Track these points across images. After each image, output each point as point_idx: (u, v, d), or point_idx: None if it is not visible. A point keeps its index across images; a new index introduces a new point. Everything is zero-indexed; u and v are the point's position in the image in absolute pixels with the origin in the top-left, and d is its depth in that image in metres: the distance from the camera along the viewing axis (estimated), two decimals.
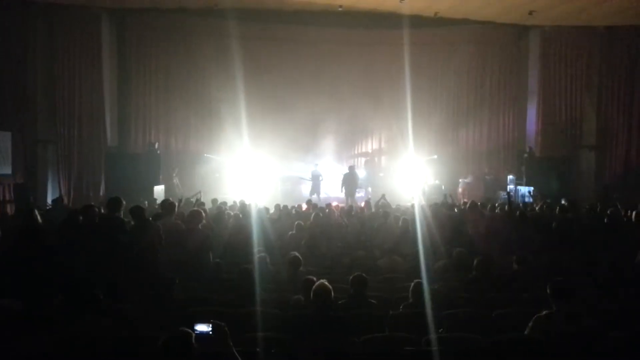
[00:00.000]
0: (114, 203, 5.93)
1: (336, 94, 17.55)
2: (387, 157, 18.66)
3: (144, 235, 5.68)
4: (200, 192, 12.19)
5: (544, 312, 3.87)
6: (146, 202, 10.92)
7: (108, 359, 3.53)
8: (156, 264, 5.60)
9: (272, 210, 10.44)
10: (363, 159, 19.11)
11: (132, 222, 6.15)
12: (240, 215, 8.26)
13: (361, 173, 17.61)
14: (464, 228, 8.28)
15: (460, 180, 17.02)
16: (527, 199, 14.34)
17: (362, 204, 12.15)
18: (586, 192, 15.83)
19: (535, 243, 7.37)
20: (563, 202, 11.14)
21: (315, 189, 15.87)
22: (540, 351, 3.73)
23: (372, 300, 4.60)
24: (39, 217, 6.85)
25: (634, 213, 8.28)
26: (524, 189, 15.11)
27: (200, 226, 6.35)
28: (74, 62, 14.72)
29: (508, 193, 13.14)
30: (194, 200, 10.98)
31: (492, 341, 3.80)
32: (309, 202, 11.69)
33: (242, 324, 4.03)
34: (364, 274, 4.69)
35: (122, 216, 6.14)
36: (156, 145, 15.42)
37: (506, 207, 9.88)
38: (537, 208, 10.77)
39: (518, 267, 5.76)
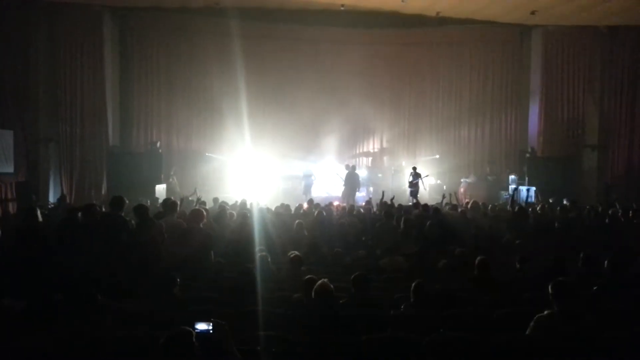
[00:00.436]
0: (116, 202, 5.94)
1: (338, 93, 17.56)
2: (389, 157, 18.63)
3: (147, 234, 5.69)
4: (195, 190, 12.20)
5: (546, 312, 3.86)
6: (148, 201, 10.92)
7: (108, 358, 3.53)
8: (158, 263, 5.60)
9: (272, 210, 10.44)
10: (364, 159, 19.11)
11: (134, 221, 6.16)
12: (248, 214, 8.25)
13: (362, 173, 17.61)
14: (466, 228, 8.27)
15: (462, 180, 17.01)
16: (529, 199, 14.34)
17: (363, 204, 12.13)
18: (588, 192, 15.81)
19: (537, 243, 7.37)
20: (565, 202, 11.15)
21: (307, 188, 15.90)
22: (542, 351, 3.72)
23: (374, 300, 4.59)
24: (40, 216, 6.86)
25: (630, 212, 8.28)
26: (525, 189, 15.10)
27: (201, 225, 6.36)
28: (76, 60, 14.72)
29: (514, 190, 13.07)
30: (194, 199, 10.99)
31: (493, 341, 3.79)
32: (310, 201, 11.68)
33: (243, 322, 4.03)
34: (365, 274, 4.68)
35: (124, 215, 6.15)
36: (158, 144, 15.45)
37: (509, 206, 9.88)
38: (537, 208, 10.76)
39: (520, 266, 5.76)
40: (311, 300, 4.22)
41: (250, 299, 4.61)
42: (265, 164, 16.46)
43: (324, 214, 9.00)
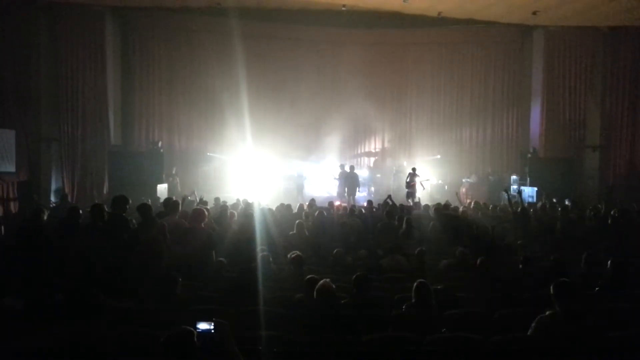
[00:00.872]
0: (119, 201, 5.94)
1: (339, 93, 17.58)
2: (390, 157, 18.64)
3: (149, 233, 5.69)
4: (194, 191, 12.19)
5: (547, 312, 3.85)
6: (149, 200, 10.92)
7: (110, 357, 3.53)
8: (160, 262, 5.60)
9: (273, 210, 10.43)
10: (366, 159, 19.11)
11: (135, 220, 6.16)
12: (250, 213, 8.25)
13: (364, 173, 17.62)
14: (467, 228, 8.27)
15: (463, 180, 17.00)
16: (530, 199, 14.33)
17: (365, 204, 12.12)
18: (590, 193, 15.79)
19: (539, 243, 7.36)
20: (567, 202, 11.14)
21: (299, 188, 15.92)
22: (543, 351, 3.72)
23: (375, 300, 4.59)
24: (45, 216, 6.86)
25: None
26: (526, 189, 15.10)
27: (203, 225, 6.36)
28: (78, 60, 14.74)
29: (517, 192, 13.06)
30: (193, 199, 10.98)
31: (495, 341, 3.79)
32: (312, 201, 11.67)
33: (245, 322, 4.03)
34: (366, 274, 4.68)
35: (126, 215, 6.15)
36: (159, 144, 15.45)
37: (509, 207, 9.87)
38: (538, 206, 10.75)
39: (522, 267, 5.75)
40: (313, 300, 4.21)
41: (252, 298, 4.61)
42: (266, 164, 16.46)
43: (325, 214, 8.99)
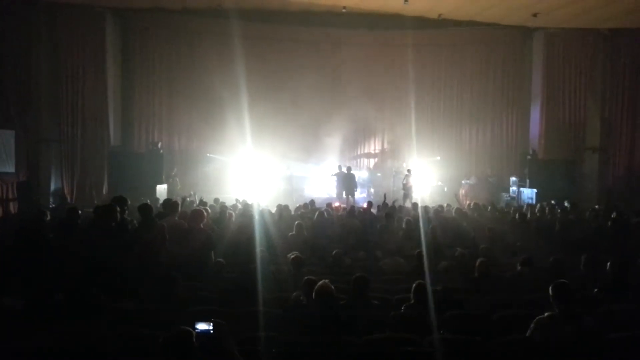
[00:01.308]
0: (118, 202, 5.94)
1: (339, 94, 17.59)
2: (390, 158, 18.63)
3: (148, 234, 5.69)
4: (193, 193, 12.20)
5: (546, 314, 3.86)
6: (148, 201, 10.93)
7: (109, 357, 3.53)
8: (158, 263, 5.60)
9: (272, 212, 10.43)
10: (366, 160, 19.13)
11: (135, 220, 6.16)
12: (249, 214, 8.26)
13: (363, 174, 17.63)
14: (467, 229, 8.27)
15: (463, 181, 17.01)
16: (530, 201, 14.34)
17: (365, 205, 12.12)
18: (589, 195, 15.79)
19: (538, 245, 7.37)
20: (566, 204, 11.15)
21: (291, 189, 15.92)
22: (542, 353, 3.72)
23: (374, 301, 4.59)
24: (48, 218, 6.88)
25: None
26: (525, 191, 15.13)
27: (202, 225, 6.36)
28: (78, 61, 14.74)
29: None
30: (193, 200, 10.99)
31: (493, 343, 3.79)
32: (311, 202, 11.67)
33: (244, 323, 4.03)
34: (365, 275, 4.68)
35: (127, 215, 6.15)
36: (159, 145, 15.45)
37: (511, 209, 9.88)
38: (536, 209, 10.76)
39: (521, 268, 5.75)
40: (311, 300, 4.22)
41: (251, 299, 4.61)
42: (265, 165, 16.46)
43: (325, 215, 8.99)
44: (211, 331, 3.00)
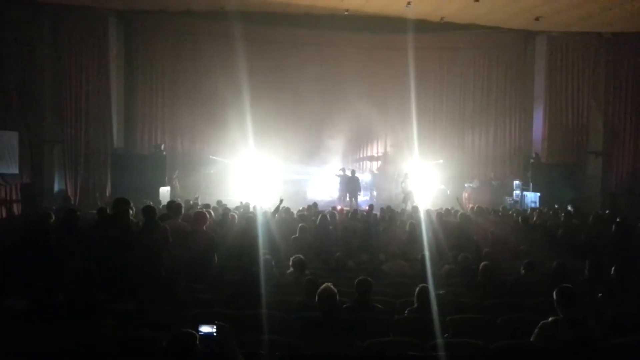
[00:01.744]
0: (120, 203, 5.94)
1: (341, 97, 17.58)
2: (393, 161, 18.62)
3: (151, 236, 5.69)
4: (197, 197, 12.19)
5: (550, 319, 3.84)
6: (150, 203, 10.94)
7: (111, 358, 3.53)
8: (160, 265, 5.60)
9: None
10: (368, 163, 19.12)
11: (140, 222, 6.16)
12: (252, 216, 8.25)
13: (366, 177, 17.62)
14: (470, 233, 8.25)
15: (465, 185, 16.98)
16: (533, 204, 14.32)
17: (366, 207, 12.11)
18: (593, 199, 15.76)
19: (541, 249, 7.35)
20: (569, 208, 11.12)
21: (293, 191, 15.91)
22: (546, 358, 3.70)
23: (377, 304, 4.58)
24: (52, 218, 6.89)
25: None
26: (528, 194, 15.09)
27: (204, 228, 6.35)
28: (81, 63, 14.80)
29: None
30: (197, 202, 10.99)
31: (496, 347, 3.78)
32: (314, 205, 11.66)
33: (247, 326, 4.03)
34: (369, 278, 4.67)
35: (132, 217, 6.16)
36: (162, 147, 15.47)
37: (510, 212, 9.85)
38: (534, 215, 10.73)
39: (525, 273, 5.74)
40: (313, 302, 4.21)
41: (254, 302, 4.60)
42: (268, 167, 16.46)
43: (328, 218, 8.98)
44: (214, 334, 2.99)
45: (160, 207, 10.22)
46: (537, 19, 14.87)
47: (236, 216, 8.81)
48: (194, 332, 2.94)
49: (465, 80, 18.40)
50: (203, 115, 17.17)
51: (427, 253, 6.22)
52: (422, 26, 16.15)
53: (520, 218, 9.28)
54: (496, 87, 18.25)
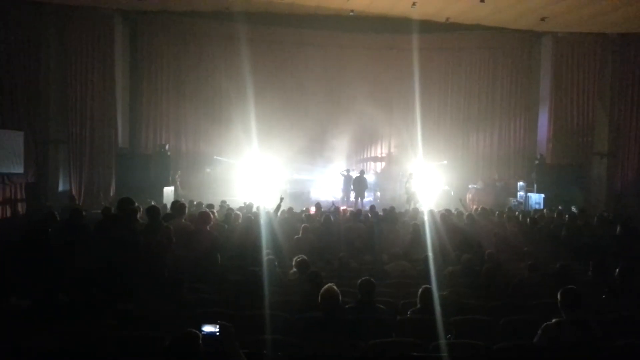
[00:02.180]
0: (125, 204, 5.96)
1: (346, 98, 17.59)
2: (397, 162, 18.59)
3: (155, 236, 5.70)
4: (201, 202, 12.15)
5: (554, 320, 3.82)
6: (153, 202, 10.98)
7: (113, 358, 3.55)
8: (165, 265, 5.61)
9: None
10: (372, 164, 19.11)
11: (142, 222, 6.18)
12: (252, 218, 8.26)
13: (370, 178, 17.60)
14: (474, 234, 8.23)
15: (470, 186, 16.93)
16: (537, 206, 14.27)
17: (368, 208, 12.09)
18: (598, 200, 15.69)
19: (546, 250, 7.32)
20: (573, 209, 11.08)
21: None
22: (549, 359, 3.69)
23: (380, 305, 4.58)
24: (57, 218, 6.92)
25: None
26: (533, 196, 15.04)
27: (208, 228, 6.37)
28: (86, 63, 14.85)
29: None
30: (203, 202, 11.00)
31: (500, 348, 3.77)
32: (317, 205, 11.66)
33: (250, 326, 4.03)
34: (372, 279, 4.67)
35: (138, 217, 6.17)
36: (166, 147, 15.51)
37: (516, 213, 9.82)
38: (537, 215, 10.70)
39: (529, 274, 5.72)
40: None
41: (257, 302, 4.61)
42: (272, 168, 16.47)
43: (332, 218, 8.98)
44: (217, 334, 3.00)
45: (163, 205, 10.23)
46: (542, 19, 14.83)
47: (240, 216, 8.82)
48: (197, 331, 2.95)
49: (470, 81, 18.36)
50: (207, 115, 17.22)
51: (430, 254, 6.20)
52: (427, 27, 16.14)
53: (528, 219, 9.26)
54: (501, 87, 18.21)
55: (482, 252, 7.08)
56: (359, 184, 15.18)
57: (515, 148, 18.11)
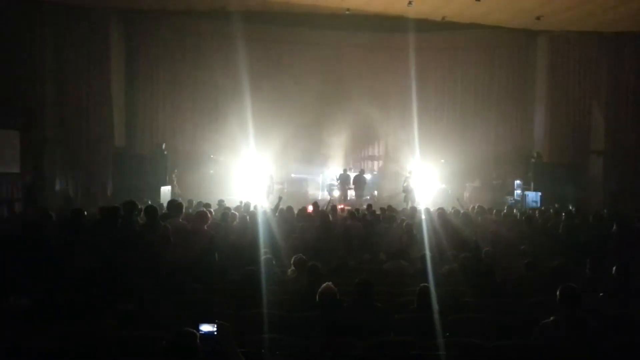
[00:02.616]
0: (129, 207, 5.96)
1: (342, 96, 17.60)
2: (394, 161, 18.62)
3: (153, 235, 5.70)
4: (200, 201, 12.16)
5: (551, 318, 3.83)
6: (149, 202, 10.96)
7: (113, 358, 3.54)
8: (162, 265, 5.60)
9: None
10: (369, 163, 19.15)
11: (141, 222, 6.17)
12: (248, 218, 8.25)
13: (367, 176, 17.62)
14: (471, 232, 8.25)
15: (467, 184, 16.96)
16: (534, 204, 14.30)
17: (365, 207, 12.10)
18: (594, 198, 15.73)
19: (543, 248, 7.34)
20: (570, 207, 11.10)
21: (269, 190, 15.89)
22: (546, 357, 3.70)
23: (378, 304, 4.58)
24: (53, 218, 6.90)
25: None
26: (530, 194, 15.07)
27: (205, 227, 6.36)
28: (82, 62, 14.81)
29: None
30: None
31: (497, 346, 3.78)
32: (315, 204, 11.65)
33: (247, 325, 4.03)
34: (369, 278, 4.67)
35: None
36: (163, 146, 15.49)
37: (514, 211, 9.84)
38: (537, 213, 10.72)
39: (526, 272, 5.73)
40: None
41: (255, 301, 4.61)
42: (269, 167, 16.46)
43: (330, 217, 8.98)
44: (215, 333, 3.00)
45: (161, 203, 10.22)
46: (538, 18, 14.85)
47: (237, 215, 8.81)
48: (195, 331, 2.94)
49: (466, 80, 18.40)
50: (204, 114, 17.22)
51: (427, 252, 6.21)
52: (424, 26, 16.16)
53: (524, 217, 9.28)
54: (497, 86, 18.24)
55: (480, 251, 7.10)
56: (358, 183, 15.21)
57: (512, 146, 18.14)
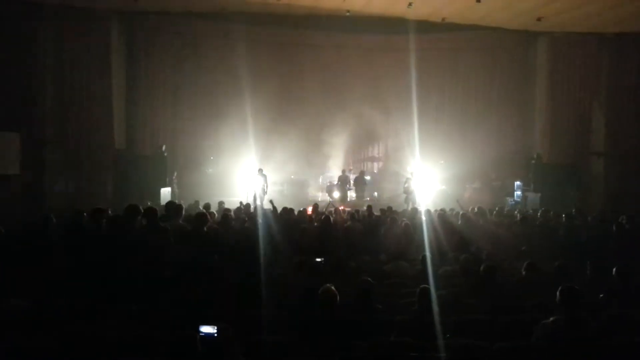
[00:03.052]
0: (131, 211, 5.96)
1: (343, 98, 17.62)
2: (394, 163, 18.62)
3: (154, 237, 5.70)
4: (198, 201, 12.20)
5: (551, 319, 3.83)
6: (149, 203, 10.96)
7: (113, 358, 3.54)
8: (162, 266, 5.60)
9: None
10: (369, 164, 19.16)
11: (143, 223, 6.17)
12: (246, 218, 8.25)
13: (368, 177, 17.64)
14: (471, 234, 8.24)
15: (467, 185, 16.96)
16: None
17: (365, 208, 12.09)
18: (594, 199, 15.72)
19: (543, 250, 7.34)
20: (572, 211, 11.07)
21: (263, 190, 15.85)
22: (546, 358, 3.70)
23: (378, 305, 4.58)
24: (53, 220, 6.91)
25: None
26: (532, 196, 15.05)
27: (205, 228, 6.36)
28: (83, 64, 14.81)
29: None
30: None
31: (498, 348, 3.77)
32: (315, 205, 11.66)
33: (248, 326, 4.03)
34: (369, 279, 4.67)
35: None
36: (163, 148, 15.49)
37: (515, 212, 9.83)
38: (538, 214, 10.71)
39: (526, 273, 5.72)
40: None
41: (254, 302, 4.60)
42: (269, 168, 16.45)
43: (331, 219, 8.98)
44: (215, 334, 3.00)
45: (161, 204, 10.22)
46: (538, 19, 14.86)
47: (237, 217, 8.81)
48: (195, 332, 2.94)
49: (466, 81, 18.41)
50: (204, 115, 17.21)
51: (428, 254, 6.20)
52: (424, 27, 16.17)
53: (520, 218, 9.28)
54: (498, 87, 18.25)
55: (480, 252, 7.09)
56: (358, 184, 15.22)
57: (512, 147, 18.12)
